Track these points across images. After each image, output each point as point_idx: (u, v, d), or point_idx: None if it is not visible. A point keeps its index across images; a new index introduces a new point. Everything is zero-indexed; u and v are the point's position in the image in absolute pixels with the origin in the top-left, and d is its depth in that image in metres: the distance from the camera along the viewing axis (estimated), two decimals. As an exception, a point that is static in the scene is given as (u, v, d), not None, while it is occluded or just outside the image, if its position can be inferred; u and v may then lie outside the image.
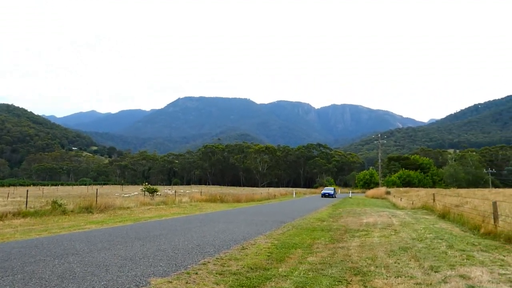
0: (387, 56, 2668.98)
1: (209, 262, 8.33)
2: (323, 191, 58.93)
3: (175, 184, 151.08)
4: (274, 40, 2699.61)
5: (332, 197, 53.13)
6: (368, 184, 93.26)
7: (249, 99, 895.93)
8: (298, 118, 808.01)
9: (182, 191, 59.82)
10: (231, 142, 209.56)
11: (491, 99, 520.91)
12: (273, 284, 6.65)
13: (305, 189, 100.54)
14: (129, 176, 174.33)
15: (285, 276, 7.20)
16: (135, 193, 45.54)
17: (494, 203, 13.28)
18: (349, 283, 6.78)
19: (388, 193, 50.57)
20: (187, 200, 32.22)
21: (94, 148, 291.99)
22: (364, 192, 70.24)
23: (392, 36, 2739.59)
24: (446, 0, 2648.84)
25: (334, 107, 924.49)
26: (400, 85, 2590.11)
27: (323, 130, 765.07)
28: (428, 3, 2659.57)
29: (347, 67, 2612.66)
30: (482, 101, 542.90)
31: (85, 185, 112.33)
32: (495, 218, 12.91)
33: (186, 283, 6.60)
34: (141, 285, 6.40)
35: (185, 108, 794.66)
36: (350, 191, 71.97)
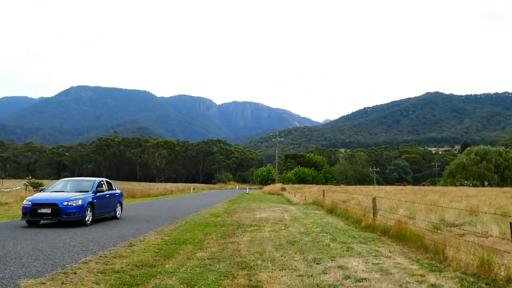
0: (286, 57, 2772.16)
1: (91, 261, 7.83)
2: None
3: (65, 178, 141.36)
4: (176, 33, 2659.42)
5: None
6: (266, 180, 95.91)
7: (148, 91, 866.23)
8: (199, 113, 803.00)
9: (72, 185, 56.10)
10: (128, 135, 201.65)
11: (378, 103, 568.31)
12: (157, 281, 6.44)
13: (203, 184, 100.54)
14: (11, 170, 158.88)
15: (171, 272, 7.03)
16: (17, 188, 41.74)
17: (374, 199, 14.38)
18: (235, 277, 6.82)
19: (283, 189, 52.41)
20: (76, 195, 30.21)
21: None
22: (261, 188, 72.03)
23: (292, 40, 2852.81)
24: (338, 8, 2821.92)
25: (235, 103, 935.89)
26: (299, 86, 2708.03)
27: (223, 126, 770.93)
28: (322, 11, 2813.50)
29: (248, 65, 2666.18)
30: (370, 105, 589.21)
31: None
32: (374, 213, 14.00)
33: (62, 283, 6.12)
34: (8, 288, 5.78)
35: (78, 98, 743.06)
36: (248, 187, 73.41)
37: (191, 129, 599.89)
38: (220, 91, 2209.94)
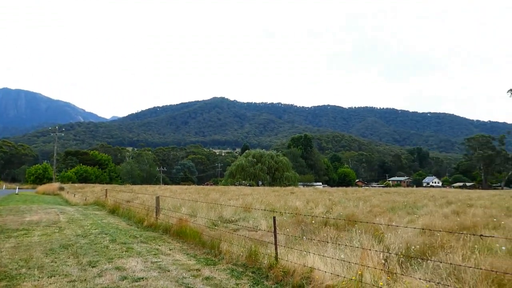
0: (72, 45, 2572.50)
1: None
2: None
3: None
4: None
5: None
6: (41, 179, 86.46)
7: None
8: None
9: None
10: None
11: (168, 104, 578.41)
12: None
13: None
14: None
15: None
16: None
17: (157, 198, 14.42)
18: (-11, 291, 5.84)
19: (61, 189, 48.16)
20: None
21: None
22: (35, 188, 64.62)
23: (81, 31, 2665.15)
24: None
25: (6, 91, 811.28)
26: (86, 78, 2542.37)
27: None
28: (120, 7, 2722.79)
29: (26, 47, 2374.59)
30: (160, 105, 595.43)
31: None
32: (157, 212, 14.04)
33: None
34: None
35: None
36: (18, 187, 64.95)
37: None
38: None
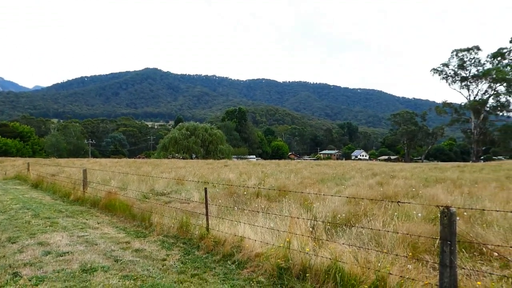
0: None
1: None
2: None
3: None
4: None
5: None
6: (-46, 152, 79.95)
7: None
8: None
9: None
10: None
11: (97, 74, 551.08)
12: None
13: None
14: None
15: None
16: None
17: (84, 171, 13.86)
18: None
19: (-22, 162, 44.89)
20: None
21: None
22: None
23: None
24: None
25: None
26: (3, 43, 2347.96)
27: None
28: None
29: None
30: (88, 75, 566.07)
31: None
32: (85, 185, 13.52)
33: None
34: None
35: None
36: None
37: None
38: None
